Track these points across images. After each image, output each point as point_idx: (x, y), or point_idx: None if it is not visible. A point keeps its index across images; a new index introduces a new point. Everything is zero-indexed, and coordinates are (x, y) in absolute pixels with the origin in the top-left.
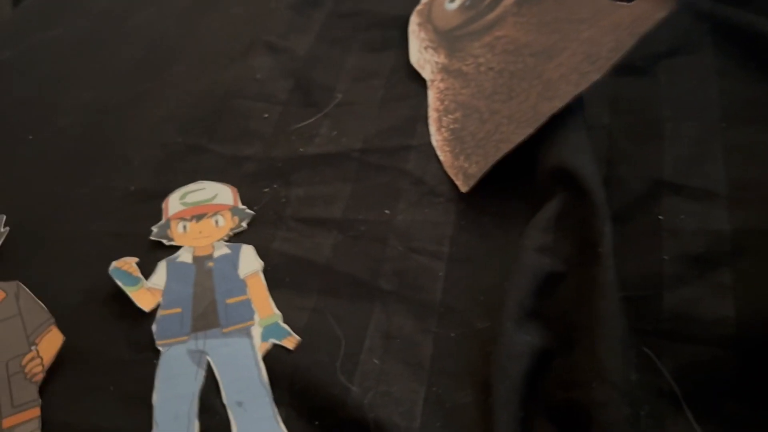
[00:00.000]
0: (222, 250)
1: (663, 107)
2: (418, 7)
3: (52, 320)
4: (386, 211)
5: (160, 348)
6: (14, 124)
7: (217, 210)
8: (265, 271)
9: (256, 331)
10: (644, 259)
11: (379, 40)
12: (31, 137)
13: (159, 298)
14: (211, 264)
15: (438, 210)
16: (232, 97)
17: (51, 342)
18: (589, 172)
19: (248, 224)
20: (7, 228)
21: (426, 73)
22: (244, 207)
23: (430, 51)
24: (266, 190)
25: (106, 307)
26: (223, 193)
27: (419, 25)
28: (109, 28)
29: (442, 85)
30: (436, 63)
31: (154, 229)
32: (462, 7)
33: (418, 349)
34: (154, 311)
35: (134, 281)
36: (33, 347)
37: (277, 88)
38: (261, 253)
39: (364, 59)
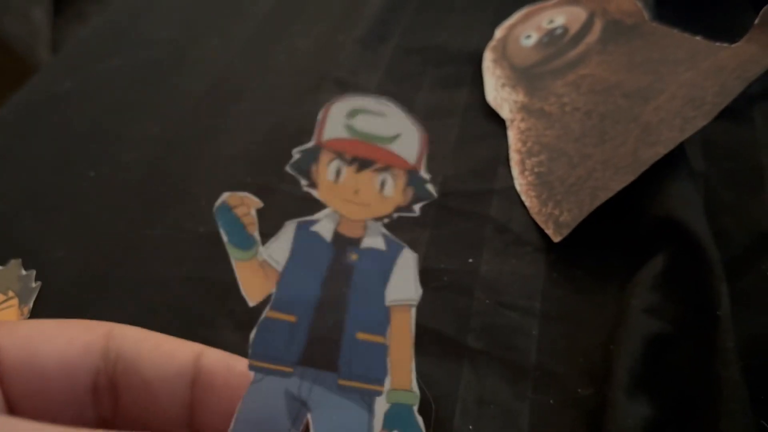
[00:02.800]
0: (375, 239)
1: (762, 153)
2: (492, 43)
3: None
4: (470, 260)
5: (251, 371)
6: (75, 158)
7: (391, 163)
8: None
9: (381, 406)
10: (757, 321)
11: (451, 76)
12: (93, 174)
13: (273, 285)
14: (354, 257)
15: (526, 260)
16: (302, 135)
17: None
18: (701, 226)
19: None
20: (39, 283)
21: (504, 113)
22: (427, 176)
23: (508, 89)
24: None
25: None
26: (408, 137)
27: (494, 61)
28: (170, 58)
29: (523, 125)
30: (515, 102)
31: (296, 154)
32: (540, 44)
33: (515, 416)
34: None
35: (248, 241)
36: None
37: None
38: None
39: (436, 96)
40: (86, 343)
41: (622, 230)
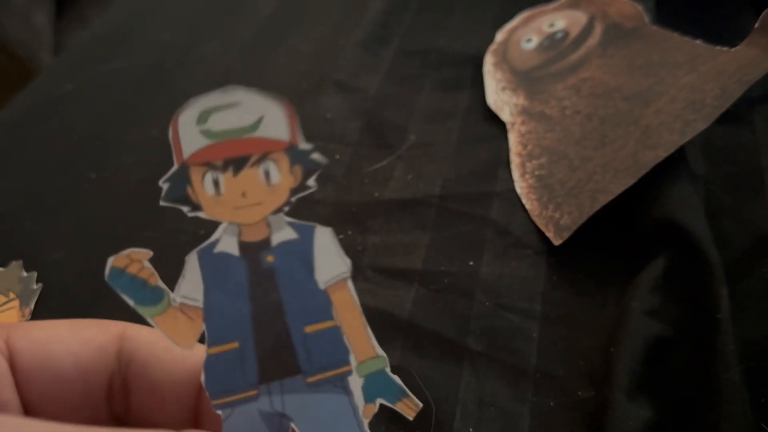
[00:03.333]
0: (284, 232)
1: (762, 156)
2: (493, 47)
3: None
4: (470, 263)
5: (218, 411)
6: (76, 160)
7: (266, 150)
8: None
9: (356, 383)
10: (757, 324)
11: (452, 79)
12: (93, 176)
13: (200, 325)
14: (270, 258)
15: (526, 263)
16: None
17: None
18: (701, 229)
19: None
20: (40, 285)
21: (504, 116)
22: (308, 146)
23: (508, 92)
24: (341, 236)
25: None
26: (271, 116)
27: (495, 65)
28: (172, 60)
29: (523, 128)
30: (516, 105)
31: (163, 185)
32: (540, 48)
33: (516, 418)
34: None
35: (154, 295)
36: None
37: (348, 129)
38: None
39: (436, 99)
40: (101, 345)
41: (622, 233)
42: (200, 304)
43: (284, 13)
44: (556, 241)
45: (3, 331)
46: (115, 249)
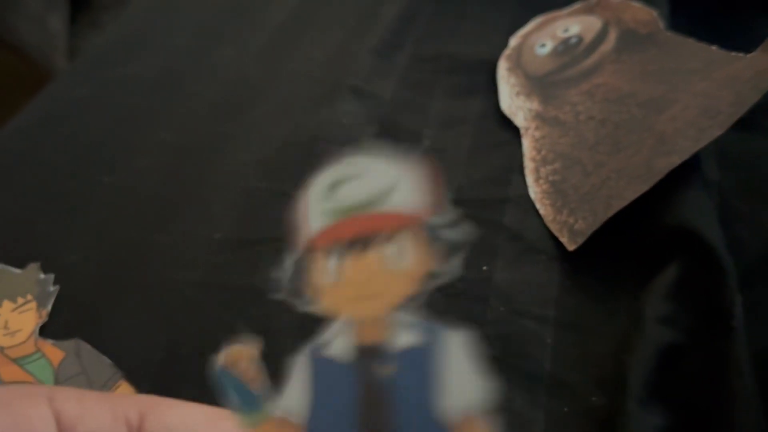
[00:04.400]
0: (406, 335)
1: None
2: (507, 52)
3: (120, 374)
4: (484, 268)
5: None
6: (90, 164)
7: (397, 225)
8: None
9: None
10: None
11: (465, 84)
12: (108, 179)
13: None
14: (388, 370)
15: (540, 268)
16: (317, 142)
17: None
18: (715, 236)
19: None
20: (57, 287)
21: (518, 121)
22: (450, 217)
23: (522, 97)
24: None
25: (192, 364)
26: (405, 182)
27: (509, 70)
28: (186, 66)
29: (537, 134)
30: (530, 110)
31: (279, 275)
32: (554, 53)
33: (530, 424)
34: None
35: (252, 402)
36: None
37: (363, 134)
38: None
39: (449, 104)
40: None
41: (636, 239)
42: (303, 419)
43: (298, 19)
44: (570, 247)
45: (140, 405)
46: (129, 252)
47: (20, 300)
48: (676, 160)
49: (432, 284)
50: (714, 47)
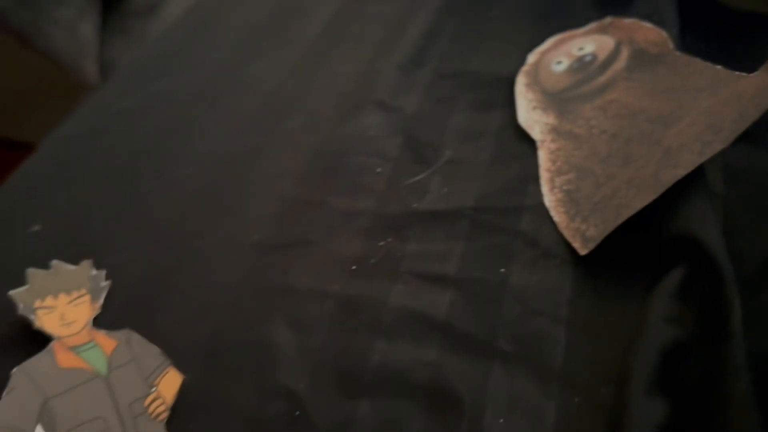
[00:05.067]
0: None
1: None
2: (524, 68)
3: (168, 362)
4: (501, 270)
5: None
6: (136, 172)
7: None
8: (386, 324)
9: None
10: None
11: (485, 99)
12: (152, 185)
13: None
14: None
15: (554, 272)
16: (345, 152)
17: (170, 382)
18: (717, 244)
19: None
20: (108, 282)
21: (535, 134)
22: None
23: (539, 112)
24: (381, 243)
25: (233, 354)
26: None
27: (526, 85)
28: (224, 79)
29: (553, 146)
30: (546, 124)
31: None
32: (570, 70)
33: (542, 413)
34: None
35: None
36: (153, 389)
37: (388, 145)
38: (380, 306)
39: (470, 118)
40: None
41: (643, 245)
42: None
43: (328, 37)
44: (582, 252)
45: None
46: (173, 253)
47: (75, 294)
48: (681, 173)
49: None
50: (719, 67)
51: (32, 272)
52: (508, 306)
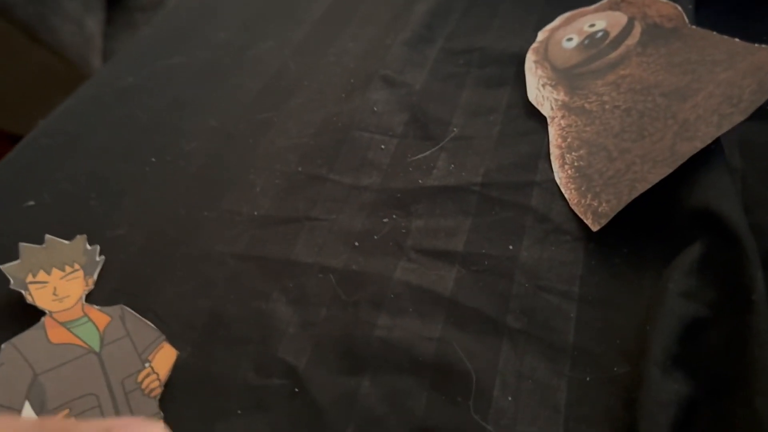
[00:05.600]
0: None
1: None
2: (534, 45)
3: (163, 337)
4: (510, 247)
5: None
6: (139, 147)
7: None
8: (389, 300)
9: None
10: None
11: (494, 76)
12: (154, 160)
13: None
14: None
15: (565, 248)
16: (350, 128)
17: (164, 357)
18: (737, 216)
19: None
20: (103, 257)
21: (545, 110)
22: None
23: (549, 88)
24: (386, 220)
25: (232, 329)
26: None
27: (536, 62)
28: (229, 58)
29: (563, 122)
30: (556, 100)
31: None
32: (581, 46)
33: (552, 392)
34: None
35: None
36: (147, 364)
37: (394, 121)
38: (383, 282)
39: (479, 95)
40: None
41: (658, 220)
42: None
43: (335, 14)
44: (595, 227)
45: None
46: (174, 227)
47: (68, 269)
48: (698, 145)
49: None
50: (737, 39)
51: (24, 247)
52: (518, 282)
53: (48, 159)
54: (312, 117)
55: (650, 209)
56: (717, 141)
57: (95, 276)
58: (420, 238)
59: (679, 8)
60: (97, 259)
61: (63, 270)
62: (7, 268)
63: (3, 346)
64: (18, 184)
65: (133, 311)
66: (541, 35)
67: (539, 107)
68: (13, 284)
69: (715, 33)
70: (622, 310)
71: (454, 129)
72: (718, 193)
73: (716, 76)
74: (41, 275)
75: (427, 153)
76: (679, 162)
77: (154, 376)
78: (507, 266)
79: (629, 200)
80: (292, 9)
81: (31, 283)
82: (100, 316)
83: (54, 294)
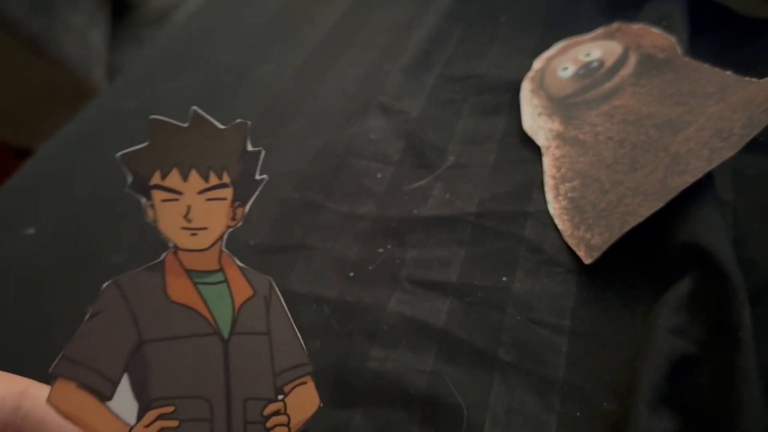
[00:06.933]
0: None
1: None
2: (530, 74)
3: (310, 368)
4: (503, 279)
5: None
6: None
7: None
8: (382, 331)
9: None
10: None
11: (490, 104)
12: None
13: None
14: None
15: (558, 280)
16: (347, 155)
17: (304, 399)
18: (725, 252)
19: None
20: (265, 177)
21: (540, 140)
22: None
23: (544, 117)
24: (381, 250)
25: None
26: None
27: (532, 91)
28: (229, 81)
29: (557, 152)
30: (551, 130)
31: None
32: (576, 76)
33: (542, 427)
34: None
35: None
36: (280, 396)
37: (390, 149)
38: (377, 313)
39: (475, 123)
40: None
41: (650, 254)
42: None
43: (334, 40)
44: (587, 260)
45: (20, 385)
46: None
47: (213, 178)
48: (689, 179)
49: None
50: (729, 72)
51: (158, 122)
52: (510, 314)
53: (48, 184)
54: (309, 143)
55: (641, 242)
56: (708, 173)
57: (248, 206)
58: (414, 268)
59: (672, 39)
60: (258, 177)
61: (206, 178)
62: (126, 155)
63: (106, 285)
64: (17, 212)
65: (281, 297)
66: (537, 63)
67: (534, 137)
68: (130, 185)
69: (707, 65)
70: (613, 344)
71: (450, 157)
72: (708, 227)
73: (707, 109)
74: (173, 177)
75: (423, 182)
76: (670, 196)
77: (284, 419)
78: (499, 298)
79: (621, 234)
80: (293, 32)
81: (156, 188)
82: (241, 282)
83: (186, 218)
